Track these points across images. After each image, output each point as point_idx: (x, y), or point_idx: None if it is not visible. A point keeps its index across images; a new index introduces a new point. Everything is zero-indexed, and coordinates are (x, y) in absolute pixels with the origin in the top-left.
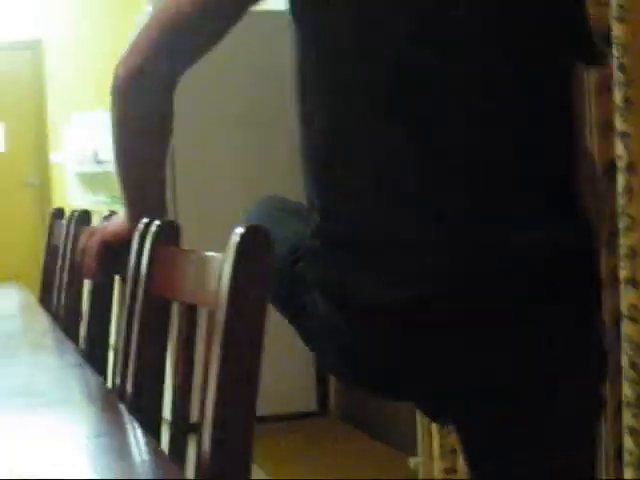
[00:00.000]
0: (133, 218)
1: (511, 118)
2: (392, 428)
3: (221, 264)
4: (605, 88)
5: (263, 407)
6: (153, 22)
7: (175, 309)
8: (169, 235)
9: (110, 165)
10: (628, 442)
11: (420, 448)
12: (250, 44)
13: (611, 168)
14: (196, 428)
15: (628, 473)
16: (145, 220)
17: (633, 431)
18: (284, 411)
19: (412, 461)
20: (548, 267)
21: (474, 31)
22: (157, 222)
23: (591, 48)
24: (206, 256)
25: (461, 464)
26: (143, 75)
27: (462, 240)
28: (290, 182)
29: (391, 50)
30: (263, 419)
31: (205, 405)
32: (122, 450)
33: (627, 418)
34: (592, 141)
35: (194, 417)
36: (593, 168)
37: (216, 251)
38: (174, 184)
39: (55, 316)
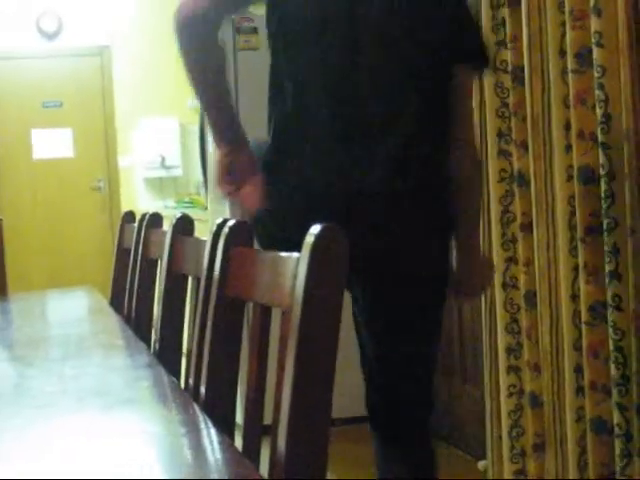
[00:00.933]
0: (226, 150)
1: (408, 90)
2: (460, 431)
3: (296, 264)
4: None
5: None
6: None
7: (249, 310)
8: (242, 236)
9: (177, 170)
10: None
11: (489, 451)
12: None
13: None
14: (269, 431)
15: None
16: (219, 220)
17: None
18: (352, 414)
19: (481, 464)
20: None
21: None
22: (230, 223)
23: (484, 55)
24: (280, 256)
25: (531, 466)
26: (195, 18)
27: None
28: None
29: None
30: (332, 422)
31: (280, 406)
32: (196, 449)
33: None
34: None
35: (267, 419)
36: (473, 152)
37: None
38: None
39: (126, 318)
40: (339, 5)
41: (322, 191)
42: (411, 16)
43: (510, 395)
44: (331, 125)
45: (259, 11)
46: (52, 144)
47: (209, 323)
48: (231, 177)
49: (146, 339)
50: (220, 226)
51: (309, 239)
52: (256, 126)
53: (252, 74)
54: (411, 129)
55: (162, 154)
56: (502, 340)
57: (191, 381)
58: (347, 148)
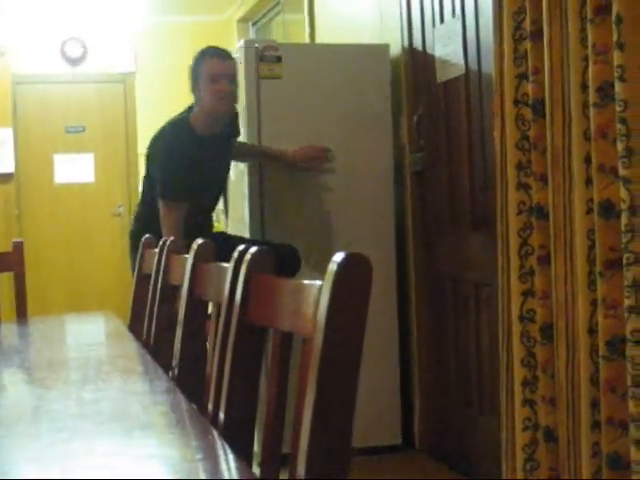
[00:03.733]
0: None
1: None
2: (477, 463)
3: (318, 292)
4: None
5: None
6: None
7: (269, 336)
8: (263, 262)
9: None
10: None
11: None
12: (346, 74)
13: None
14: (288, 459)
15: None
16: (241, 247)
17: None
18: (368, 444)
19: None
20: None
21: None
22: (252, 250)
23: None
24: (303, 284)
25: None
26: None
27: None
28: (378, 218)
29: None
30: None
31: (299, 434)
32: (214, 475)
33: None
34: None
35: (286, 448)
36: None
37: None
38: (262, 213)
39: (145, 343)
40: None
41: None
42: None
43: (525, 429)
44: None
45: (283, 39)
46: (74, 169)
47: (229, 349)
48: None
49: (165, 365)
50: (242, 253)
51: (332, 266)
52: None
53: (275, 102)
54: None
55: None
56: (518, 373)
57: (210, 407)
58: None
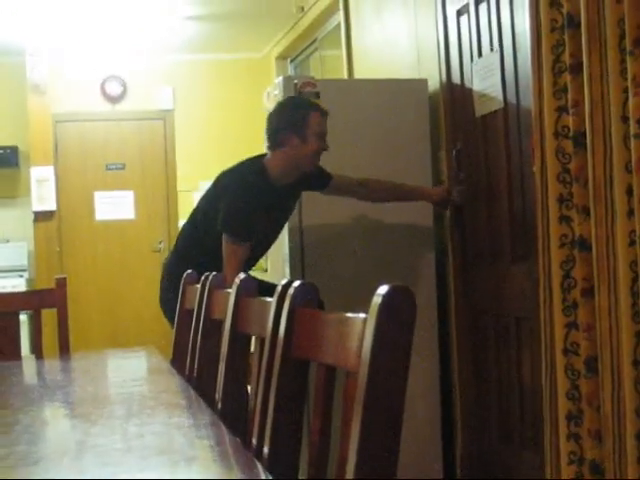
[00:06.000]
0: None
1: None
2: None
3: (362, 325)
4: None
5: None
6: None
7: (313, 370)
8: (307, 296)
9: None
10: None
11: None
12: (384, 108)
13: None
14: None
15: None
16: (284, 281)
17: None
18: (410, 478)
19: None
20: None
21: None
22: (295, 284)
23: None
24: (347, 316)
25: None
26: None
27: None
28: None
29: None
30: None
31: (344, 468)
32: None
33: None
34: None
35: None
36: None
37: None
38: (302, 252)
39: (188, 378)
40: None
41: None
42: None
43: (570, 463)
44: None
45: (321, 75)
46: (114, 206)
47: (273, 383)
48: None
49: (208, 399)
50: (285, 287)
51: (377, 299)
52: None
53: None
54: None
55: None
56: (562, 406)
57: (254, 440)
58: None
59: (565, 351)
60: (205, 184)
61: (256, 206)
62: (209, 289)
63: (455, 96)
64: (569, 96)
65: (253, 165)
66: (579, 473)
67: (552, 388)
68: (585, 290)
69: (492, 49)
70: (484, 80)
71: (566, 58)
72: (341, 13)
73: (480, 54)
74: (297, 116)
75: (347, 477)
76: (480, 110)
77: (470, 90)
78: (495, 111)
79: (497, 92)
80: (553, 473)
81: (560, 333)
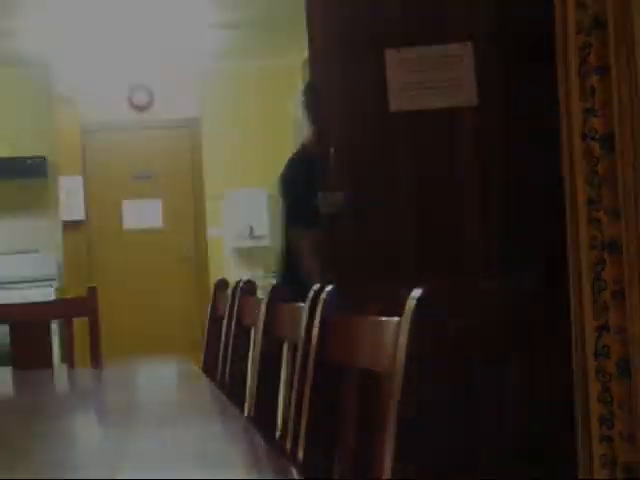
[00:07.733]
0: None
1: None
2: None
3: (396, 328)
4: None
5: None
6: None
7: (347, 374)
8: (339, 301)
9: (265, 240)
10: None
11: None
12: None
13: None
14: None
15: None
16: (316, 286)
17: None
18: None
19: None
20: None
21: None
22: (327, 289)
23: None
24: (380, 320)
25: None
26: None
27: None
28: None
29: None
30: None
31: (381, 471)
32: None
33: None
34: None
35: None
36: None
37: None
38: None
39: (219, 385)
40: None
41: None
42: None
43: (603, 465)
44: None
45: None
46: (142, 215)
47: (307, 388)
48: None
49: (240, 405)
50: (317, 292)
51: (411, 302)
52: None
53: None
54: None
55: (251, 224)
56: (594, 409)
57: (288, 445)
58: None
59: (596, 354)
60: (232, 192)
61: None
62: (240, 295)
63: None
64: (596, 97)
65: None
66: (612, 475)
67: (583, 391)
68: (616, 292)
69: None
70: None
71: (592, 60)
72: None
73: None
74: None
75: (384, 478)
76: None
77: None
78: None
79: None
80: (586, 475)
81: (591, 336)
